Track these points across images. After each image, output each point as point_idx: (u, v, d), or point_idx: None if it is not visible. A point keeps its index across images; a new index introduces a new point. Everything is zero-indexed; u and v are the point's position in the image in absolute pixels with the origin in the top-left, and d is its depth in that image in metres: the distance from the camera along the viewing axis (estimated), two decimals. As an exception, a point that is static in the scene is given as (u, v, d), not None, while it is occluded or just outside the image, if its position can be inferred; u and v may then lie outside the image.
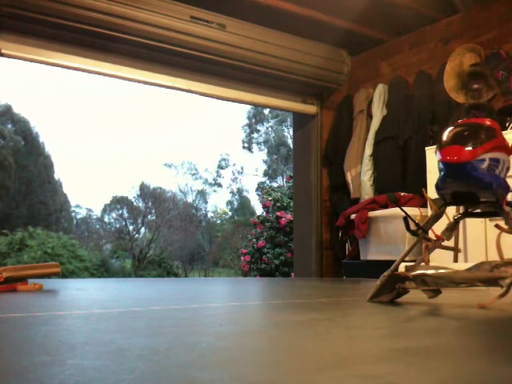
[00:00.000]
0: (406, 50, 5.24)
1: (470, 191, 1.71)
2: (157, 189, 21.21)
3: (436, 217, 1.87)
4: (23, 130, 19.02)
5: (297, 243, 6.11)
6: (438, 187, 1.77)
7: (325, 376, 0.73)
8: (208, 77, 5.10)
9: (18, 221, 16.70)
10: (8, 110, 18.90)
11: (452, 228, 1.89)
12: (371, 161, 5.16)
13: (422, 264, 1.89)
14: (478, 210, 1.92)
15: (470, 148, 1.64)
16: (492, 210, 1.84)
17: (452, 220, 1.90)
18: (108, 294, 2.71)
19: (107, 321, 1.46)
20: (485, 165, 1.64)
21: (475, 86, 1.85)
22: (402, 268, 1.91)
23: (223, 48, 4.81)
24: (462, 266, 2.13)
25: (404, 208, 4.46)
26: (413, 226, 1.86)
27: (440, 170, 1.73)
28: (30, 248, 14.62)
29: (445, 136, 1.72)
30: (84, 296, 2.61)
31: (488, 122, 1.73)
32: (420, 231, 1.84)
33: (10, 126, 18.96)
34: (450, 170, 1.68)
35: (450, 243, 1.99)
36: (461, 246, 3.69)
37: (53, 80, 30.45)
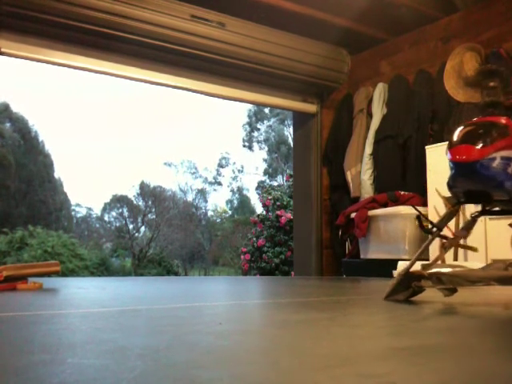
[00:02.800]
0: (405, 48, 5.24)
1: (482, 190, 1.70)
2: (157, 188, 21.19)
3: (450, 215, 1.86)
4: (22, 128, 18.99)
5: (297, 242, 6.11)
6: (449, 185, 1.76)
7: (325, 375, 0.73)
8: (208, 76, 5.10)
9: (18, 219, 16.68)
10: (6, 108, 18.85)
11: (469, 226, 1.87)
12: (371, 160, 5.16)
13: (438, 262, 1.88)
14: (497, 208, 1.90)
15: (479, 147, 1.63)
16: (510, 208, 1.83)
17: (470, 218, 1.88)
18: (108, 293, 2.71)
19: (107, 320, 1.45)
20: (495, 163, 1.63)
21: (491, 84, 1.84)
22: (417, 266, 1.89)
23: (223, 47, 4.81)
24: (475, 264, 2.12)
25: (405, 207, 4.47)
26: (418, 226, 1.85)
27: (450, 169, 1.73)
28: (30, 247, 14.61)
29: (455, 135, 1.72)
30: (84, 295, 2.61)
31: (503, 121, 1.72)
32: (434, 229, 1.83)
33: (8, 124, 18.93)
34: (459, 169, 1.68)
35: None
36: (461, 245, 3.69)
37: (52, 79, 30.44)
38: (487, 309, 1.73)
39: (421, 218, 1.83)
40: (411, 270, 1.86)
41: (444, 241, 1.86)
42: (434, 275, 1.80)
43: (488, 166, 1.62)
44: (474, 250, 2.02)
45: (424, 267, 1.86)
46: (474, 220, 1.89)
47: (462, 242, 1.94)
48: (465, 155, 1.64)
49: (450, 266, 1.84)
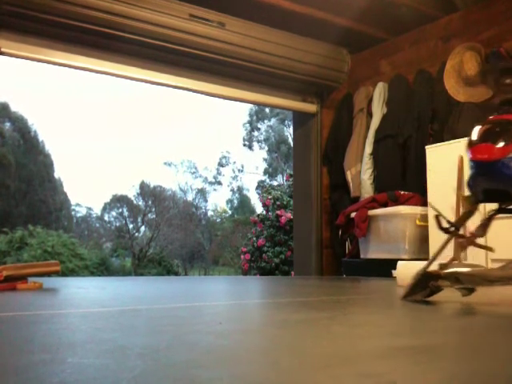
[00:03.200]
0: (406, 48, 5.24)
1: (502, 188, 1.70)
2: (157, 187, 21.19)
3: (468, 214, 1.85)
4: (21, 128, 18.98)
5: (297, 242, 6.11)
6: (469, 185, 1.76)
7: (325, 374, 0.73)
8: (208, 75, 5.10)
9: (18, 219, 16.68)
10: (5, 108, 18.83)
11: (486, 224, 1.86)
12: (371, 159, 5.16)
13: (456, 262, 1.88)
14: None
15: (500, 145, 1.63)
16: None
17: (486, 216, 1.87)
18: (108, 293, 2.71)
19: (107, 319, 1.45)
20: None
21: (508, 81, 1.83)
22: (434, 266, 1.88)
23: (223, 46, 4.81)
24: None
25: (405, 207, 4.48)
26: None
27: (470, 168, 1.73)
28: (30, 246, 14.60)
29: (474, 134, 1.71)
30: (84, 295, 2.61)
31: None
32: (452, 228, 1.82)
33: (8, 124, 18.93)
34: (480, 168, 1.68)
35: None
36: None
37: (52, 78, 30.43)
38: (498, 309, 1.72)
39: (439, 218, 1.82)
40: (428, 269, 1.85)
41: (461, 240, 1.85)
42: (452, 275, 1.79)
43: (509, 164, 1.62)
44: (490, 249, 2.00)
45: (441, 267, 1.85)
46: (490, 219, 1.87)
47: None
48: (486, 154, 1.64)
49: (467, 265, 1.84)
